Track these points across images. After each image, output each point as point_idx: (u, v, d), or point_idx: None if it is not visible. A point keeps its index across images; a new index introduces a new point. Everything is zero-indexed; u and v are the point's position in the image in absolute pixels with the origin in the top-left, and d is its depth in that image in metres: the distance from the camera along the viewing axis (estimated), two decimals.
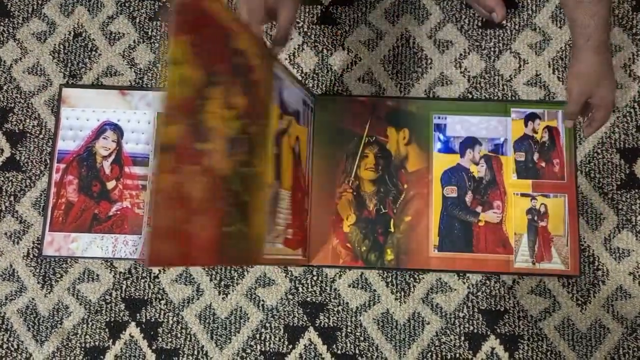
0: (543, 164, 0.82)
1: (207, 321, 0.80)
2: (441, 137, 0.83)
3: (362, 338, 0.79)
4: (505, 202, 0.81)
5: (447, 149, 0.83)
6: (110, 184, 0.83)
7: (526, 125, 0.83)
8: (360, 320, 0.80)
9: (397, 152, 0.83)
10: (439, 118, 0.84)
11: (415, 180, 0.82)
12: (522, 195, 0.81)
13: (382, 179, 0.82)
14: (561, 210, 0.80)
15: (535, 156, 0.82)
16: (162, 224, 0.45)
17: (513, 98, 0.85)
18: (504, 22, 0.87)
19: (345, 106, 0.84)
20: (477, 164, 0.82)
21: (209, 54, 0.51)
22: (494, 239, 0.80)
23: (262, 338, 0.80)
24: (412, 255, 0.80)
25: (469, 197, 0.81)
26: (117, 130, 0.84)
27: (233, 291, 0.81)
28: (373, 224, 0.81)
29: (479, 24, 0.87)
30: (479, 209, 0.81)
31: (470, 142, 0.83)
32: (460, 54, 0.86)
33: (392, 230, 0.81)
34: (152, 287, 0.81)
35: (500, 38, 0.87)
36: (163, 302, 0.81)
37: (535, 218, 0.80)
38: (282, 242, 0.70)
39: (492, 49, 0.86)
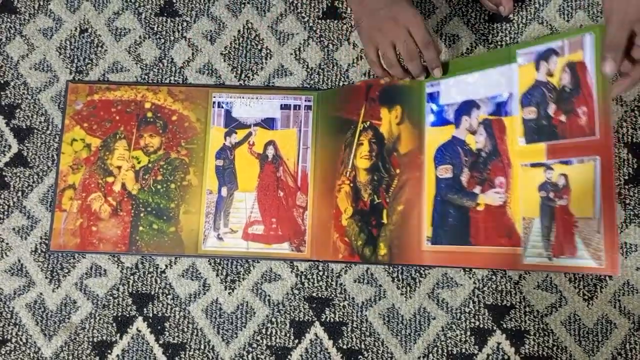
0: (562, 118, 0.62)
1: (213, 316, 0.81)
2: (434, 107, 0.73)
3: (367, 333, 0.79)
4: (510, 177, 0.65)
5: (440, 120, 0.72)
6: None
7: (538, 69, 0.65)
8: (366, 315, 0.80)
9: (390, 133, 0.75)
10: (431, 86, 0.73)
11: (407, 163, 0.73)
12: (533, 165, 0.63)
13: (376, 166, 0.75)
14: (590, 181, 0.58)
15: (551, 108, 0.63)
16: (69, 227, 0.80)
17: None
18: (511, 15, 0.86)
19: (344, 96, 0.81)
20: (474, 133, 0.69)
21: (102, 127, 0.82)
22: (495, 227, 0.65)
23: (268, 333, 0.80)
24: (403, 250, 0.71)
25: (465, 176, 0.68)
26: None
27: (239, 286, 0.81)
28: (367, 216, 0.74)
29: (486, 17, 0.87)
30: (477, 189, 0.67)
31: (466, 108, 0.70)
32: (467, 48, 0.86)
33: (384, 221, 0.73)
34: (159, 282, 0.82)
35: (507, 32, 0.86)
36: (170, 297, 0.81)
37: (552, 195, 0.62)
38: (241, 237, 0.80)
39: (499, 42, 0.86)
